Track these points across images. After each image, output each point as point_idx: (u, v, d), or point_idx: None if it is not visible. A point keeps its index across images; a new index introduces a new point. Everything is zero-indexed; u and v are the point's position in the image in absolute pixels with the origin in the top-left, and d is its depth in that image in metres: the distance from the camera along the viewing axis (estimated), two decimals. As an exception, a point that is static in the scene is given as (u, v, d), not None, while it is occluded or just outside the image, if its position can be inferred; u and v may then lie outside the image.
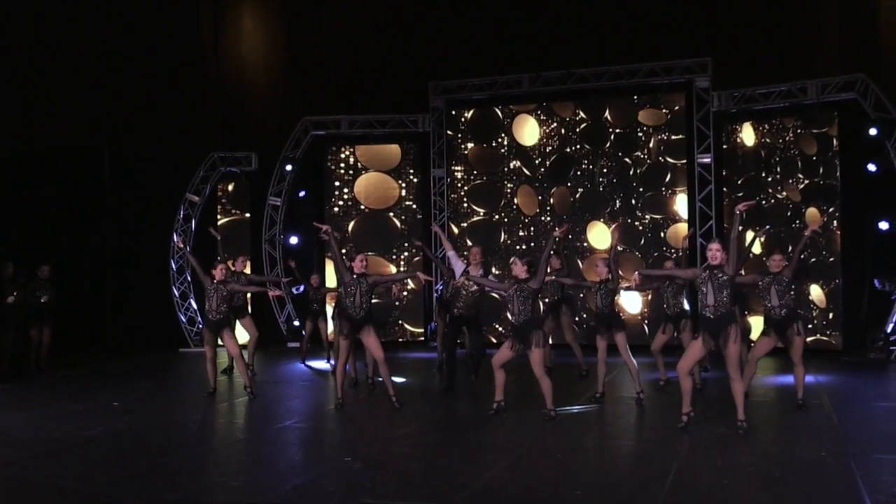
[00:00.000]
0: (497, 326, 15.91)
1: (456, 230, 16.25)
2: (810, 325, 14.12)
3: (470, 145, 16.29)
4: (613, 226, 11.00)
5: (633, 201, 15.44)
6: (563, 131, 15.83)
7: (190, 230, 16.29)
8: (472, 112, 16.30)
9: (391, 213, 16.56)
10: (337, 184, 16.63)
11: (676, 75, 15.11)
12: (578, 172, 15.72)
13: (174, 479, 6.88)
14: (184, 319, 16.18)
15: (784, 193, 14.61)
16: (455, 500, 6.17)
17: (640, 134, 15.45)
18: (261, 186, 16.45)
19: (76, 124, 15.75)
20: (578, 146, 15.74)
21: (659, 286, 10.90)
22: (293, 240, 16.18)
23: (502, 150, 16.10)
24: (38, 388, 11.68)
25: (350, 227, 16.53)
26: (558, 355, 12.62)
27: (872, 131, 13.42)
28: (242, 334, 12.48)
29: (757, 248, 14.77)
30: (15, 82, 15.16)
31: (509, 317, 9.22)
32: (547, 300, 12.26)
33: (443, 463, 7.43)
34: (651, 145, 15.39)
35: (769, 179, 14.72)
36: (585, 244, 15.60)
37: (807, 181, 14.39)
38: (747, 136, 14.96)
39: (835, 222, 14.06)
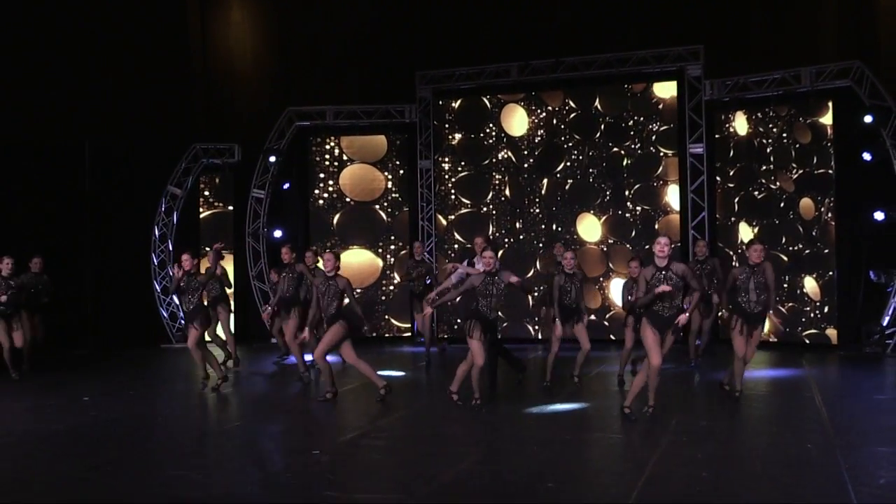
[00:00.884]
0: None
1: (444, 222, 15.91)
2: (804, 319, 13.81)
3: (457, 136, 15.96)
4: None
5: (624, 192, 15.11)
6: (553, 121, 15.49)
7: (171, 223, 15.98)
8: (459, 102, 15.97)
9: (377, 206, 16.22)
10: (322, 176, 16.30)
11: (668, 63, 14.77)
12: (568, 163, 15.39)
13: (133, 473, 6.68)
14: (165, 315, 15.86)
15: (777, 184, 14.28)
16: (420, 492, 5.98)
17: (631, 123, 15.12)
18: (244, 179, 16.12)
19: (57, 115, 15.41)
20: (568, 136, 15.41)
21: None
22: (277, 233, 15.86)
23: (490, 141, 15.77)
24: (11, 382, 11.38)
25: (335, 220, 16.20)
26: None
27: (867, 119, 13.06)
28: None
29: (748, 237, 14.49)
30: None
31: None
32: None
33: (414, 455, 7.25)
34: (642, 135, 15.06)
35: (762, 169, 14.39)
36: (575, 236, 15.26)
37: (801, 171, 14.06)
38: (740, 125, 14.63)
39: (829, 213, 13.73)
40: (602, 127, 15.25)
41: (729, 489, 5.85)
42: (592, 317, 15.06)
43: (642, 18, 15.10)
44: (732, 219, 14.59)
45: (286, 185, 16.01)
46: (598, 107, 15.31)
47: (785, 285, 13.85)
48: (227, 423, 8.97)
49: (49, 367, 12.63)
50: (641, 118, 15.09)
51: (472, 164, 15.89)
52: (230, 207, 16.40)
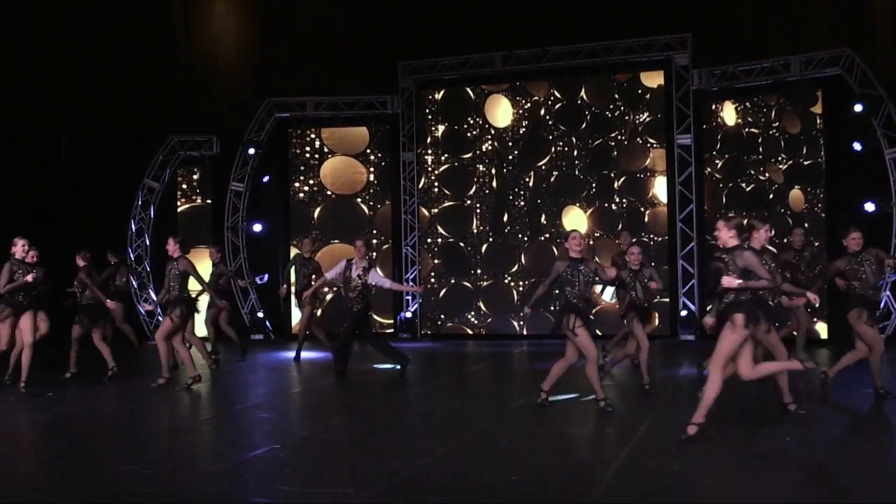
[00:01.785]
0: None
1: (428, 215, 15.58)
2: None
3: (441, 127, 15.63)
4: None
5: (610, 184, 14.79)
6: (538, 112, 15.16)
7: (148, 217, 15.63)
8: (442, 93, 15.64)
9: (358, 199, 15.88)
10: (302, 168, 15.96)
11: (655, 52, 14.48)
12: (553, 155, 15.06)
13: (86, 468, 6.42)
14: (143, 312, 15.49)
15: (767, 175, 13.96)
16: (377, 486, 5.69)
17: (618, 114, 14.80)
18: (223, 171, 15.78)
19: (33, 107, 15.11)
20: (553, 127, 15.08)
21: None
22: (257, 227, 15.53)
23: (474, 132, 15.44)
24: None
25: (316, 214, 15.85)
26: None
27: (858, 108, 12.77)
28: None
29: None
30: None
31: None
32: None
33: (377, 450, 6.94)
34: (629, 126, 14.74)
35: (751, 160, 14.07)
36: (561, 230, 14.94)
37: (790, 161, 13.74)
38: (728, 115, 14.32)
39: (819, 204, 13.41)
40: (588, 118, 14.93)
41: (697, 481, 5.58)
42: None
43: (629, 6, 14.77)
44: (721, 211, 14.27)
45: (266, 178, 15.66)
46: (584, 97, 14.99)
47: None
48: (193, 419, 8.65)
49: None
50: (628, 108, 14.77)
51: (456, 156, 15.55)
52: (209, 201, 16.07)
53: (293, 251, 15.65)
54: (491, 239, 15.29)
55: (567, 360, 8.05)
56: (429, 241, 15.58)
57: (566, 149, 15.00)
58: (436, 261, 15.51)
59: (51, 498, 5.67)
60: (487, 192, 15.37)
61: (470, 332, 15.30)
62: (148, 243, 15.55)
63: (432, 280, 15.52)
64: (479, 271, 15.32)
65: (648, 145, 14.66)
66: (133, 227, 15.60)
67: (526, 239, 15.13)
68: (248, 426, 8.27)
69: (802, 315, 10.45)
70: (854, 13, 14.15)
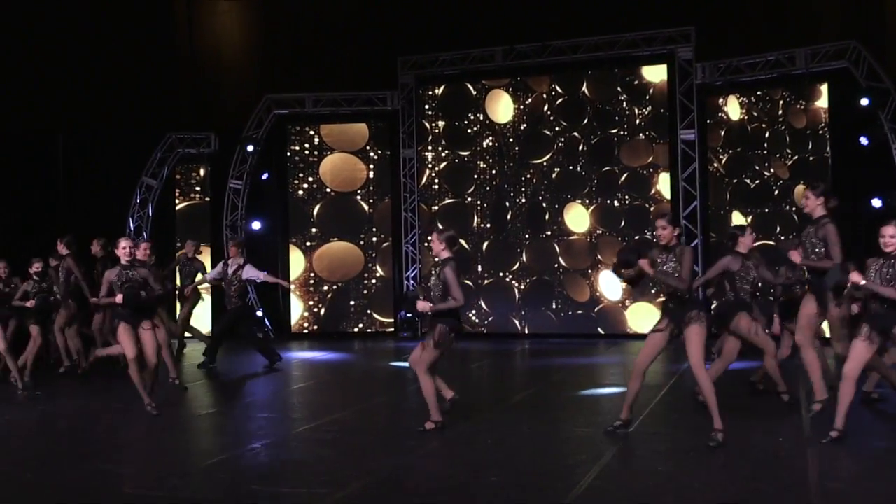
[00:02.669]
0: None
1: (428, 212, 15.40)
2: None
3: (441, 123, 15.43)
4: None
5: (613, 180, 14.55)
6: (539, 107, 14.94)
7: (147, 215, 15.51)
8: (442, 88, 15.44)
9: (358, 196, 15.71)
10: (301, 165, 15.80)
11: (658, 46, 14.21)
12: (554, 151, 14.84)
13: (60, 466, 6.32)
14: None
15: (772, 170, 13.70)
16: (351, 486, 5.51)
17: (620, 109, 14.56)
18: (222, 169, 15.64)
19: (31, 104, 15.00)
20: (554, 123, 14.86)
21: None
22: (255, 225, 15.37)
23: (475, 128, 15.23)
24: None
25: (315, 212, 15.68)
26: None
27: (864, 101, 12.48)
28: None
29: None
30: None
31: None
32: None
33: (357, 449, 6.80)
34: (631, 121, 14.50)
35: (756, 155, 13.81)
36: (563, 227, 14.72)
37: (795, 156, 13.47)
38: (732, 109, 14.05)
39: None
40: (590, 113, 14.70)
41: (682, 482, 5.37)
42: (580, 311, 14.55)
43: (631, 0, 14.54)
44: (726, 207, 14.02)
45: (265, 176, 15.50)
46: (586, 92, 14.76)
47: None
48: (178, 418, 8.45)
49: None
50: (631, 103, 14.53)
51: (456, 152, 15.36)
52: (207, 199, 15.93)
53: (293, 250, 15.54)
54: (492, 236, 15.08)
55: (726, 360, 7.73)
56: (429, 238, 15.35)
57: (568, 144, 14.78)
58: (437, 258, 15.27)
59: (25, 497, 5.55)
60: (488, 188, 15.16)
61: (471, 329, 15.08)
62: (146, 241, 15.36)
63: (433, 278, 15.29)
64: (479, 269, 15.12)
65: (651, 141, 14.42)
66: (131, 224, 15.47)
67: (527, 236, 14.91)
68: (229, 427, 8.07)
69: None
70: (863, 3, 13.86)
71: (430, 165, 15.45)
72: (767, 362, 7.90)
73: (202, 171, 16.06)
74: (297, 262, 15.58)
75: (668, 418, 7.38)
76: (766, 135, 13.77)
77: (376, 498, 5.35)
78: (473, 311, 15.04)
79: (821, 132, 13.31)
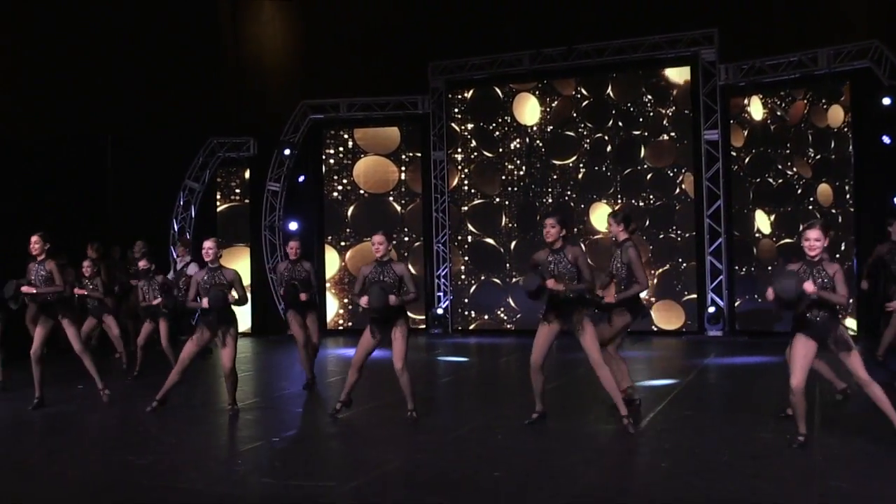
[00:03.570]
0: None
1: (458, 212, 15.82)
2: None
3: (470, 126, 15.84)
4: None
5: (638, 180, 14.82)
6: (568, 109, 15.27)
7: (189, 217, 16.19)
8: (471, 92, 15.85)
9: (390, 198, 16.21)
10: (336, 168, 16.35)
11: (682, 48, 14.46)
12: (580, 152, 15.16)
13: (85, 458, 6.70)
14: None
15: (794, 169, 13.86)
16: (358, 480, 5.83)
17: (645, 110, 14.82)
18: (260, 172, 16.26)
19: (80, 108, 15.65)
20: (580, 124, 15.18)
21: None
22: (293, 225, 15.96)
23: (503, 130, 15.61)
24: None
25: (349, 213, 16.23)
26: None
27: (886, 101, 12.60)
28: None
29: (766, 229, 14.11)
30: (32, 68, 15.03)
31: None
32: None
33: (368, 444, 7.09)
34: (655, 122, 14.75)
35: (779, 155, 13.97)
36: (589, 226, 15.04)
37: (818, 156, 13.61)
38: (755, 109, 14.23)
39: (849, 198, 13.27)
40: (615, 114, 14.98)
41: (684, 479, 5.57)
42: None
43: (655, 2, 14.78)
44: (749, 206, 14.21)
45: (301, 178, 16.09)
46: (611, 94, 15.05)
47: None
48: (186, 417, 8.41)
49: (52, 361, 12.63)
50: (655, 105, 14.78)
51: (485, 154, 15.76)
52: (247, 200, 16.56)
53: (328, 250, 16.09)
54: (520, 236, 15.47)
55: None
56: (459, 238, 15.82)
57: (593, 146, 15.08)
58: (466, 258, 15.76)
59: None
60: (516, 189, 15.54)
61: (501, 327, 15.49)
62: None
63: (462, 277, 15.77)
64: (508, 267, 15.51)
65: (675, 141, 14.65)
66: (175, 226, 16.17)
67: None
68: (252, 421, 8.21)
69: None
70: (885, 3, 13.90)
71: (459, 167, 15.88)
72: None
73: (245, 175, 16.68)
74: (332, 260, 16.14)
75: (677, 417, 7.62)
76: (789, 134, 13.92)
77: (381, 491, 5.62)
78: (502, 308, 15.45)
79: (844, 131, 13.43)
